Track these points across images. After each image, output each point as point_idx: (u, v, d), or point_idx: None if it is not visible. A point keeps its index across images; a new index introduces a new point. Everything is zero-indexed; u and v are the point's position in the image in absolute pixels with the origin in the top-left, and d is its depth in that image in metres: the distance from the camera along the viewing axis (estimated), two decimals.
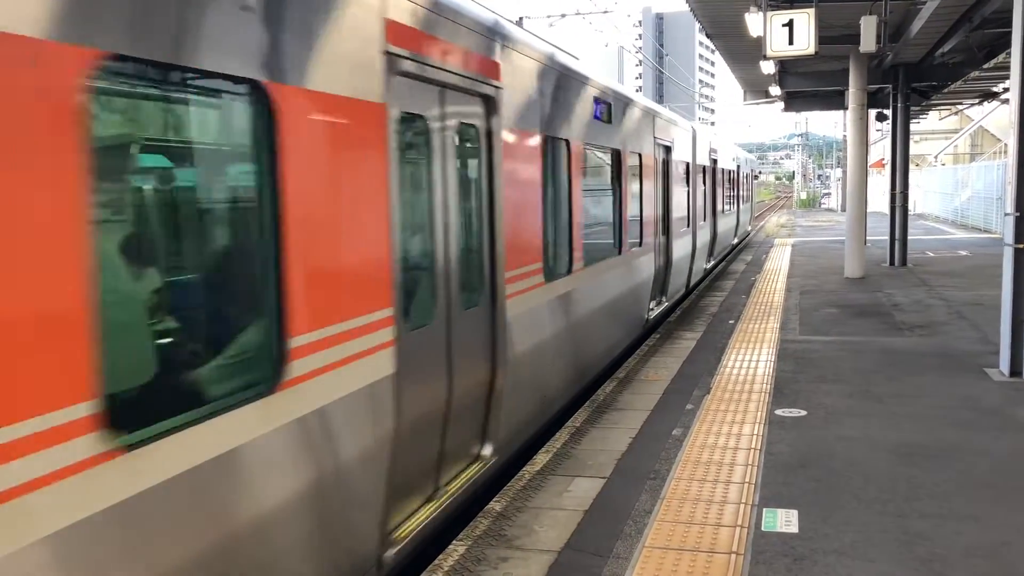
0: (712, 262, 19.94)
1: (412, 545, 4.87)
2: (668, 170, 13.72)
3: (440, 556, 4.97)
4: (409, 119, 4.86)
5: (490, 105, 6.02)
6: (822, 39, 13.26)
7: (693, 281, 16.66)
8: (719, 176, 21.19)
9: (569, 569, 4.82)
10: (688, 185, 15.76)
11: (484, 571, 4.78)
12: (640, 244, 11.34)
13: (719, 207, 21.03)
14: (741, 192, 28.62)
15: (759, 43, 13.49)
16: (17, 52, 2.42)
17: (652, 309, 12.54)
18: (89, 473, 2.66)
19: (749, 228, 34.92)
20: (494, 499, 5.84)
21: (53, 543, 2.54)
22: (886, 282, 17.42)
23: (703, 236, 17.61)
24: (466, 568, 4.80)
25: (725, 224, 22.78)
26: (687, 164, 15.68)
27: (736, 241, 27.91)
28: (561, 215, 7.89)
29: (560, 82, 7.76)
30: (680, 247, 14.52)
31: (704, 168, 18.14)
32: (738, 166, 27.60)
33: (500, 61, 6.12)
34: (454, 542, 5.15)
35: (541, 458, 6.66)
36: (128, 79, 2.96)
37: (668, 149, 13.82)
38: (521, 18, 28.02)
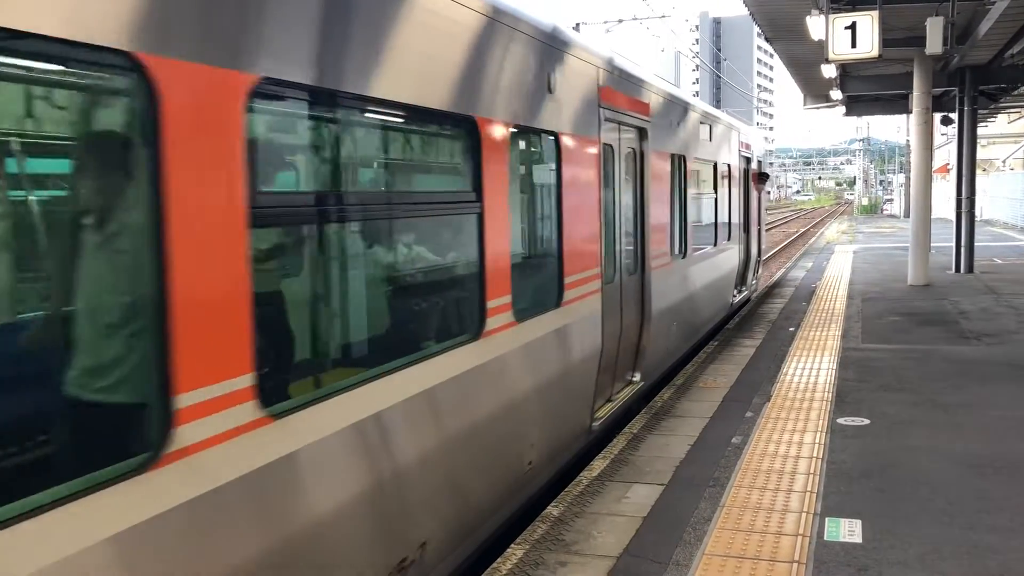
0: None
1: (603, 426, 7.33)
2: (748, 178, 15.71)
3: (498, 559, 5.00)
4: (607, 147, 7.38)
5: (643, 134, 8.50)
6: (886, 42, 13.03)
7: None
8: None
9: (628, 575, 4.80)
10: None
11: (543, 575, 4.79)
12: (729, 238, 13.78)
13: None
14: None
15: (820, 46, 13.31)
16: None
17: (735, 295, 14.59)
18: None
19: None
20: (552, 504, 5.85)
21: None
22: (952, 289, 17.00)
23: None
24: (524, 572, 4.82)
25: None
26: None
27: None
28: (682, 213, 10.43)
29: (682, 113, 10.30)
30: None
31: None
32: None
33: (648, 101, 8.62)
34: (512, 545, 5.17)
35: (599, 464, 6.65)
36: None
37: (753, 160, 16.09)
38: (578, 24, 28.02)
